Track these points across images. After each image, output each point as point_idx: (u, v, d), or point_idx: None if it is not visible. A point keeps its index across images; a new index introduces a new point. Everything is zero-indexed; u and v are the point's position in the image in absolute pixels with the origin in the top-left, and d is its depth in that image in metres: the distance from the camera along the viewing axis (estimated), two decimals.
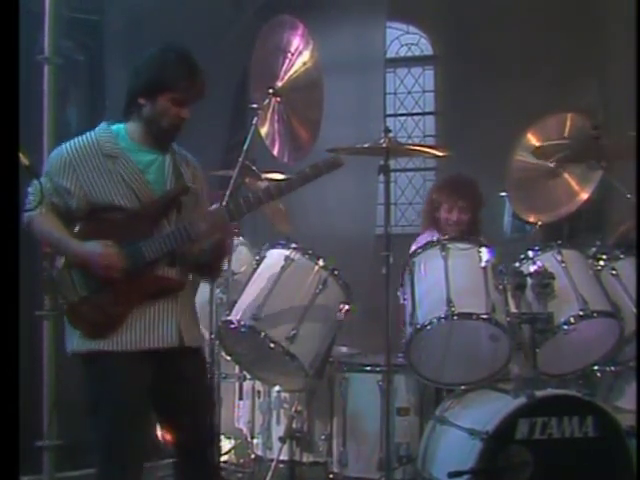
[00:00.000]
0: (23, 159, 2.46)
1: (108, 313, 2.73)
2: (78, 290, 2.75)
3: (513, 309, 3.34)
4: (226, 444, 4.21)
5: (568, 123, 4.15)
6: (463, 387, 3.46)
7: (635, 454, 3.09)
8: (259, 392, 3.99)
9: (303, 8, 4.40)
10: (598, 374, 3.58)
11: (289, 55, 3.73)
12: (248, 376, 3.96)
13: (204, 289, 4.04)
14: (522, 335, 3.31)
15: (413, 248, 3.82)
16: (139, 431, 2.74)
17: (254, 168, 3.88)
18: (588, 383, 3.55)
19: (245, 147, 3.71)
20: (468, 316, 3.27)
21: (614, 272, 3.57)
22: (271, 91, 3.72)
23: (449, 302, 3.25)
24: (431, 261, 3.46)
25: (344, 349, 4.06)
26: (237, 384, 4.12)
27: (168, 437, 2.89)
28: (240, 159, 3.72)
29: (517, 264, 3.45)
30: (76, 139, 2.84)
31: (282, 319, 3.40)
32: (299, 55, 3.73)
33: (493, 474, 3.02)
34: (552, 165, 4.14)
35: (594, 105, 6.12)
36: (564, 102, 5.70)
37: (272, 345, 3.36)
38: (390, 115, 7.79)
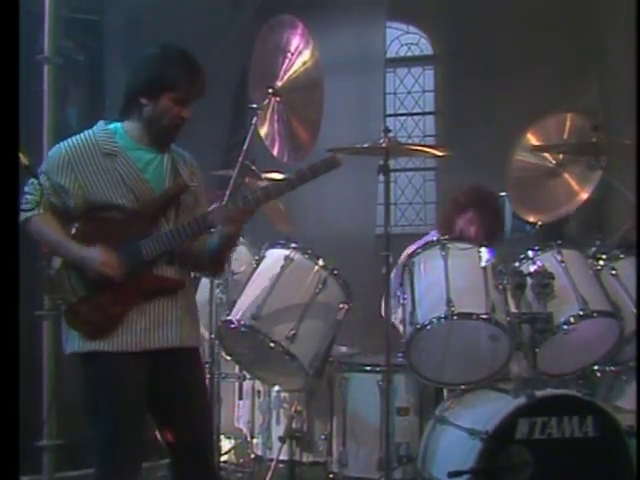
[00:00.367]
0: (23, 159, 2.47)
1: (107, 313, 2.72)
2: (76, 290, 2.74)
3: (513, 309, 3.34)
4: (226, 444, 4.21)
5: (568, 123, 4.15)
6: (463, 387, 3.46)
7: (635, 454, 3.09)
8: (259, 392, 3.99)
9: (303, 8, 4.40)
10: (598, 374, 3.58)
11: (289, 55, 3.73)
12: (248, 376, 3.96)
13: (204, 289, 4.04)
14: (522, 335, 3.30)
15: (411, 249, 3.82)
16: (137, 431, 2.74)
17: (254, 168, 3.88)
18: (588, 383, 3.55)
19: (245, 147, 3.72)
20: (468, 316, 3.27)
21: (614, 272, 3.56)
22: (271, 91, 3.72)
23: (449, 302, 3.25)
24: (431, 261, 3.46)
25: (344, 349, 4.05)
26: (237, 384, 4.12)
27: (165, 437, 2.88)
28: (240, 159, 3.72)
29: (517, 264, 3.44)
30: (74, 138, 2.82)
31: (282, 319, 3.40)
32: (299, 55, 3.73)
33: (493, 474, 3.02)
34: (552, 164, 4.15)
35: (594, 105, 6.12)
36: (564, 102, 5.70)
37: (272, 345, 3.36)
38: (390, 115, 7.79)
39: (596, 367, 3.53)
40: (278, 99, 3.75)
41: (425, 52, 7.89)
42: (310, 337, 3.43)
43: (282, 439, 3.66)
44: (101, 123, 2.88)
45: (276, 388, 3.83)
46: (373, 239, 6.38)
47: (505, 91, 6.61)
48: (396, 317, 3.67)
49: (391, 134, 3.53)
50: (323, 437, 3.71)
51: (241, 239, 3.94)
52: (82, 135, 2.83)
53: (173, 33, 5.17)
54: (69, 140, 2.82)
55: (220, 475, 3.93)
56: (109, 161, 2.77)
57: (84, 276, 2.73)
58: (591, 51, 6.50)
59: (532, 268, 3.36)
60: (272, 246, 3.63)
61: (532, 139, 4.24)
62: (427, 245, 3.52)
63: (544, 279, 3.32)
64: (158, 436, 2.97)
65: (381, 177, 3.50)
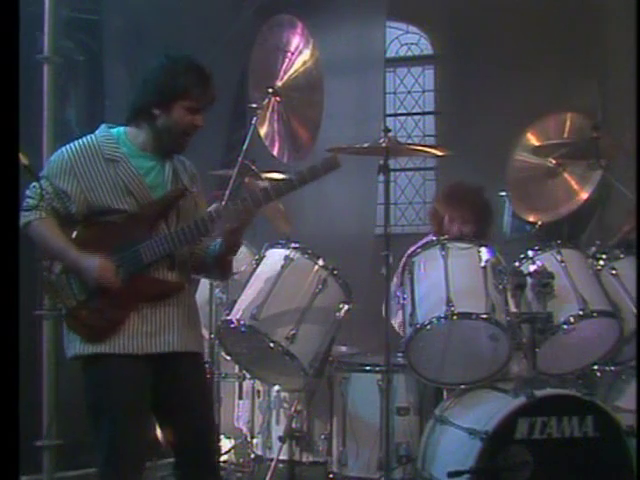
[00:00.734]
0: (22, 159, 2.47)
1: (107, 317, 2.72)
2: (76, 294, 2.74)
3: (513, 309, 3.34)
4: (226, 444, 4.21)
5: (568, 123, 4.16)
6: (463, 387, 3.46)
7: (635, 454, 3.09)
8: (259, 392, 4.00)
9: (303, 8, 4.40)
10: (598, 374, 3.58)
11: (289, 54, 3.73)
12: (248, 376, 3.96)
13: (204, 289, 4.04)
14: (522, 335, 3.30)
15: (412, 250, 3.82)
16: (140, 433, 2.74)
17: (254, 168, 3.88)
18: (588, 383, 3.55)
19: (244, 147, 3.72)
20: (468, 316, 3.27)
21: (614, 272, 3.56)
22: (271, 91, 3.72)
23: (449, 302, 3.25)
24: (431, 261, 3.46)
25: (344, 349, 4.06)
26: (237, 384, 4.13)
27: (168, 439, 2.88)
28: (240, 159, 3.72)
29: (517, 264, 3.44)
30: (76, 142, 2.82)
31: (282, 319, 3.40)
32: (299, 54, 3.73)
33: (493, 474, 3.02)
34: (552, 164, 4.15)
35: (594, 105, 6.12)
36: (564, 102, 5.70)
37: (272, 345, 3.36)
38: (390, 115, 7.78)
39: (596, 367, 3.53)
40: (278, 99, 3.75)
41: (425, 52, 7.88)
42: (310, 337, 3.43)
43: (282, 439, 3.66)
44: (103, 127, 2.88)
45: (276, 388, 3.84)
46: (373, 239, 6.37)
47: (505, 91, 6.61)
48: (396, 320, 3.67)
49: (391, 134, 3.53)
50: (323, 437, 3.71)
51: None
52: (84, 139, 2.83)
53: (173, 33, 5.19)
54: (71, 144, 2.82)
55: (221, 476, 3.93)
56: (111, 166, 2.77)
57: (84, 282, 2.74)
58: (591, 51, 6.49)
59: (532, 268, 3.36)
60: (272, 246, 3.63)
61: (532, 139, 4.24)
62: (427, 245, 3.52)
63: (544, 279, 3.32)
64: (159, 437, 2.98)
65: (381, 177, 3.50)
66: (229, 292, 3.91)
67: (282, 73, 3.75)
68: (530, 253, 3.47)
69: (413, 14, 7.61)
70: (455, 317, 3.25)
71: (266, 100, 3.74)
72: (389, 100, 7.76)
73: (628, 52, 4.31)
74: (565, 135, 4.16)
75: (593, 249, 3.66)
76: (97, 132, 2.86)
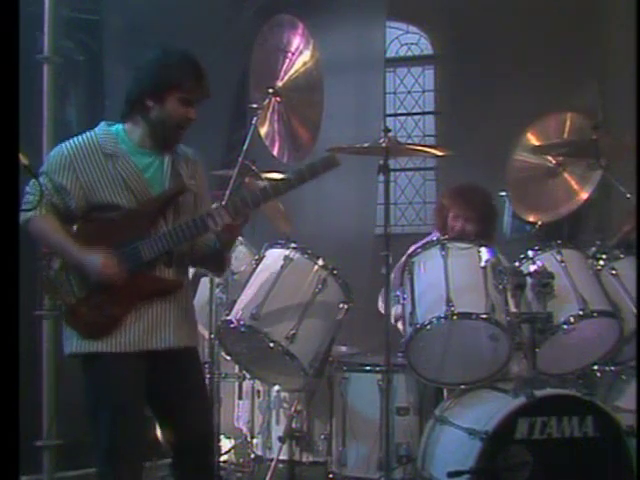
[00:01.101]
0: (22, 159, 2.47)
1: (106, 314, 2.73)
2: (75, 291, 2.75)
3: (513, 309, 3.33)
4: (226, 444, 4.22)
5: (568, 123, 4.16)
6: (463, 387, 3.46)
7: (635, 454, 3.09)
8: (259, 392, 4.00)
9: (303, 8, 4.39)
10: (598, 374, 3.58)
11: (289, 55, 3.73)
12: (248, 376, 3.96)
13: (204, 289, 4.04)
14: (522, 335, 3.30)
15: (412, 249, 3.82)
16: (138, 431, 2.75)
17: (254, 168, 3.88)
18: (588, 383, 3.55)
19: (245, 147, 3.72)
20: (468, 316, 3.27)
21: (614, 272, 3.56)
22: (271, 91, 3.72)
23: (449, 302, 3.25)
24: (431, 260, 3.46)
25: (344, 348, 4.06)
26: (237, 384, 4.13)
27: (165, 435, 2.89)
28: (240, 159, 3.72)
29: (517, 264, 3.44)
30: (76, 138, 2.83)
31: (281, 318, 3.40)
32: (299, 55, 3.73)
33: (493, 474, 3.02)
34: (552, 164, 4.15)
35: (594, 105, 6.12)
36: (564, 102, 5.70)
37: (271, 345, 3.36)
38: (390, 115, 7.78)
39: (596, 367, 3.53)
40: (278, 99, 3.75)
41: (425, 52, 7.89)
42: (310, 337, 3.43)
43: (282, 439, 3.66)
44: (103, 124, 2.89)
45: (276, 388, 3.83)
46: (373, 239, 6.37)
47: (505, 91, 6.61)
48: (394, 313, 3.66)
49: (391, 134, 3.53)
50: (323, 437, 3.71)
51: (240, 239, 3.94)
52: (84, 136, 2.84)
53: (173, 33, 5.18)
54: (70, 140, 2.83)
55: (220, 476, 3.93)
56: (110, 162, 2.78)
57: (84, 277, 2.74)
58: (591, 51, 6.49)
59: (532, 268, 3.36)
60: (272, 246, 3.63)
61: (532, 139, 4.24)
62: (427, 245, 3.52)
63: (544, 279, 3.31)
64: (159, 436, 2.98)
65: (381, 177, 3.50)
66: (229, 292, 3.91)
67: (282, 73, 3.75)
68: (530, 253, 3.46)
69: (413, 14, 7.61)
70: (455, 317, 3.25)
71: (266, 100, 3.74)
72: (389, 100, 7.76)
73: (628, 52, 4.31)
74: (565, 135, 4.16)
75: (593, 249, 3.66)
76: (96, 129, 2.87)
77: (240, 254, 4.10)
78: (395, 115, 7.89)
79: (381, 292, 3.86)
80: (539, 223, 4.27)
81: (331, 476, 3.64)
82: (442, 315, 3.25)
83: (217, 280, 3.96)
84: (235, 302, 3.52)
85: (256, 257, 3.67)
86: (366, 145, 3.55)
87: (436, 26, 7.63)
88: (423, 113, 7.90)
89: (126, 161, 2.80)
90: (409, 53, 7.97)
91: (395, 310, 3.67)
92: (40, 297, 3.85)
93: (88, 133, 2.85)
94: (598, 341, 3.44)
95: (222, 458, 4.09)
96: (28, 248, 2.72)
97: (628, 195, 3.74)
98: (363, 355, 3.95)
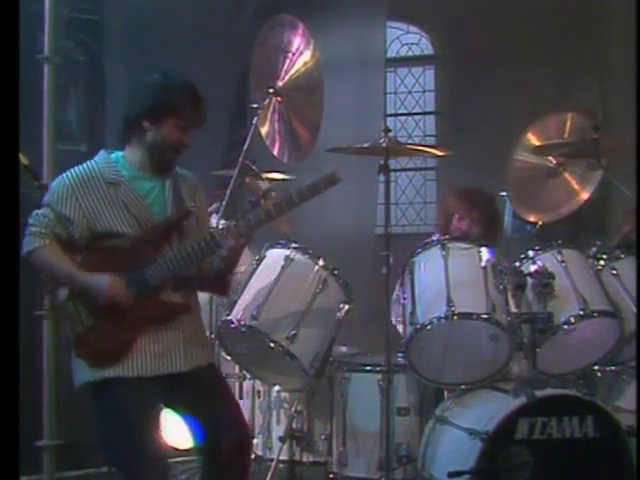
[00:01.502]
0: (22, 159, 2.47)
1: (114, 341, 2.72)
2: (83, 320, 2.75)
3: (513, 309, 3.33)
4: None
5: (568, 123, 4.16)
6: (463, 387, 3.46)
7: (635, 454, 3.09)
8: (259, 392, 3.99)
9: (303, 8, 4.39)
10: (598, 374, 3.57)
11: (290, 55, 3.74)
12: (248, 376, 3.96)
13: None
14: (522, 335, 3.30)
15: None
16: (156, 449, 2.71)
17: (254, 168, 3.88)
18: (588, 383, 3.54)
19: (245, 147, 3.72)
20: (468, 316, 3.27)
21: (614, 272, 3.56)
22: (271, 91, 3.73)
23: (449, 302, 3.25)
24: (431, 260, 3.46)
25: (344, 349, 4.05)
26: (237, 384, 4.12)
27: (201, 444, 2.87)
28: (240, 158, 3.72)
29: (517, 264, 3.44)
30: (77, 168, 2.84)
31: (282, 319, 3.40)
32: (300, 55, 3.73)
33: (493, 474, 3.02)
34: (552, 164, 4.15)
35: (594, 105, 6.12)
36: (565, 102, 5.70)
37: (272, 345, 3.36)
38: (390, 115, 7.78)
39: (596, 367, 3.52)
40: (279, 99, 3.75)
41: (426, 52, 7.89)
42: (310, 337, 3.43)
43: (282, 439, 3.66)
44: (103, 153, 2.90)
45: (276, 388, 3.83)
46: (373, 239, 6.37)
47: (505, 91, 6.61)
48: (395, 313, 3.66)
49: (391, 134, 3.53)
50: (323, 437, 3.70)
51: None
52: (85, 165, 2.85)
53: (173, 33, 5.19)
54: (72, 170, 2.84)
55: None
56: (112, 190, 2.79)
57: (91, 304, 2.73)
58: (591, 51, 6.49)
59: (532, 268, 3.35)
60: (272, 246, 3.63)
61: (532, 139, 4.24)
62: (427, 245, 3.52)
63: (544, 279, 3.31)
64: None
65: (381, 177, 3.50)
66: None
67: (283, 73, 3.76)
68: (531, 253, 3.46)
69: (414, 14, 7.61)
70: (455, 317, 3.24)
71: (267, 100, 3.75)
72: (390, 100, 7.76)
73: (628, 52, 4.31)
74: (566, 135, 4.16)
75: (594, 249, 3.66)
76: (96, 158, 2.88)
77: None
78: (396, 115, 7.89)
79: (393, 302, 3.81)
80: (540, 223, 4.27)
81: (331, 476, 3.64)
82: (442, 315, 3.25)
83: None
84: (235, 302, 3.52)
85: (257, 257, 3.67)
86: (366, 145, 3.55)
87: (437, 26, 7.63)
88: (424, 113, 7.90)
89: (128, 188, 2.80)
90: (410, 53, 7.97)
91: (396, 310, 3.67)
92: (40, 297, 3.85)
93: (89, 162, 2.86)
94: (598, 341, 3.44)
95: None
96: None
97: (629, 195, 3.74)
98: (363, 355, 3.95)
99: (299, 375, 3.45)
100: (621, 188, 3.82)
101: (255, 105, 3.76)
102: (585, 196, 4.16)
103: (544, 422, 3.06)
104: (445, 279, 3.33)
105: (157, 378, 2.75)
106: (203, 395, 2.82)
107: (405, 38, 7.93)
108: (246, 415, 4.05)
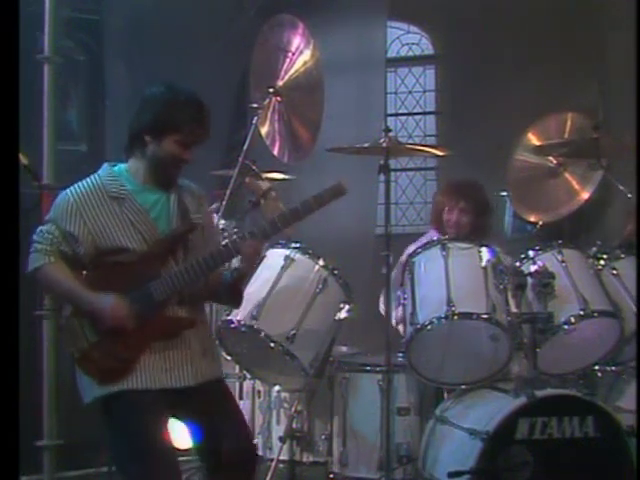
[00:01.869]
0: (22, 159, 2.47)
1: (119, 358, 2.71)
2: (88, 337, 2.73)
3: (513, 309, 3.33)
4: None
5: (568, 123, 4.16)
6: (463, 387, 3.46)
7: (635, 454, 3.09)
8: (259, 392, 3.99)
9: (303, 8, 4.39)
10: (598, 374, 3.57)
11: (289, 54, 3.74)
12: (248, 376, 3.96)
13: None
14: (522, 335, 3.30)
15: (412, 248, 3.82)
16: (168, 459, 2.69)
17: (254, 167, 3.88)
18: (588, 383, 3.54)
19: (245, 146, 3.72)
20: (468, 316, 3.27)
21: (615, 272, 3.56)
22: (271, 90, 3.73)
23: (449, 302, 3.25)
24: (431, 261, 3.46)
25: (344, 349, 4.05)
26: (237, 384, 4.12)
27: (205, 457, 2.86)
28: (240, 158, 3.73)
29: (518, 264, 3.44)
30: (80, 183, 2.82)
31: (282, 319, 3.40)
32: (300, 54, 3.74)
33: (493, 474, 3.02)
34: (553, 164, 4.15)
35: (595, 105, 6.12)
36: (565, 102, 5.69)
37: (272, 345, 3.36)
38: (391, 115, 7.77)
39: (597, 367, 3.53)
40: (279, 99, 3.75)
41: (426, 52, 7.87)
42: (310, 337, 3.43)
43: (282, 439, 3.66)
44: (106, 166, 2.88)
45: (276, 388, 3.83)
46: (373, 239, 6.36)
47: (506, 91, 6.60)
48: (395, 316, 3.66)
49: (392, 134, 3.53)
50: (323, 437, 3.70)
51: None
52: (88, 180, 2.83)
53: (173, 33, 5.18)
54: (76, 186, 2.81)
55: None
56: (117, 205, 2.77)
57: (96, 322, 2.72)
58: (591, 51, 6.49)
59: (533, 268, 3.35)
60: (272, 246, 3.63)
61: (533, 139, 4.24)
62: (427, 245, 3.52)
63: (545, 279, 3.31)
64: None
65: (382, 177, 3.50)
66: None
67: (283, 73, 3.76)
68: (531, 253, 3.46)
69: (414, 14, 7.60)
70: (456, 317, 3.25)
71: (267, 100, 3.75)
72: (390, 100, 7.75)
73: (628, 52, 4.31)
74: (566, 135, 4.16)
75: (594, 249, 3.66)
76: (100, 172, 2.86)
77: None
78: (396, 115, 7.88)
79: (382, 293, 3.86)
80: (540, 223, 4.27)
81: (332, 476, 3.64)
82: (443, 315, 3.25)
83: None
84: None
85: None
86: (366, 145, 3.55)
87: (437, 26, 7.62)
88: (424, 113, 7.89)
89: (132, 203, 2.78)
90: (410, 53, 7.96)
91: (396, 313, 3.67)
92: (40, 297, 3.85)
93: (92, 177, 2.83)
94: (599, 341, 3.44)
95: None
96: (28, 248, 2.73)
97: (629, 195, 3.74)
98: (364, 355, 3.95)
99: (299, 375, 3.46)
100: (621, 188, 3.82)
101: (255, 105, 3.76)
102: (585, 196, 4.16)
103: (544, 422, 3.06)
104: (445, 279, 3.33)
105: (164, 390, 2.73)
106: (209, 409, 2.80)
107: (405, 38, 7.92)
108: (246, 415, 4.05)
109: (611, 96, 6.27)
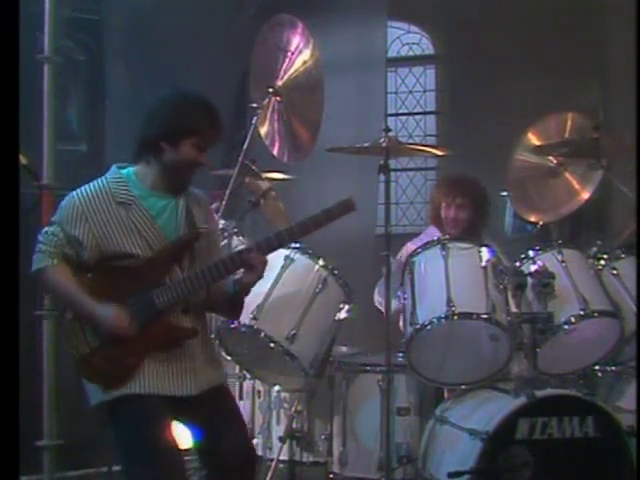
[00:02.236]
0: (21, 159, 2.47)
1: (121, 364, 2.70)
2: (89, 341, 2.73)
3: (513, 309, 3.33)
4: None
5: (569, 122, 4.15)
6: (463, 387, 3.46)
7: (635, 454, 3.09)
8: (259, 392, 3.99)
9: (303, 7, 4.39)
10: (599, 374, 3.57)
11: (289, 54, 3.74)
12: (248, 376, 3.96)
13: None
14: (522, 335, 3.30)
15: (410, 245, 3.82)
16: (174, 460, 2.69)
17: (254, 167, 3.88)
18: (588, 383, 3.54)
19: (245, 146, 3.72)
20: (468, 316, 3.27)
21: (615, 271, 3.56)
22: (271, 90, 3.73)
23: (449, 302, 3.24)
24: (431, 260, 3.46)
25: (344, 349, 4.05)
26: (237, 384, 4.12)
27: (205, 460, 2.87)
28: (240, 158, 3.72)
29: (518, 263, 3.44)
30: (87, 186, 2.80)
31: (282, 319, 3.40)
32: (299, 54, 3.74)
33: (493, 474, 3.02)
34: (553, 164, 4.15)
35: (595, 104, 6.12)
36: (564, 101, 5.69)
37: (272, 345, 3.36)
38: (391, 114, 7.78)
39: (597, 367, 3.52)
40: (278, 98, 3.75)
41: (426, 52, 7.88)
42: (310, 337, 3.43)
43: (282, 439, 3.66)
44: (114, 169, 2.86)
45: (276, 388, 3.83)
46: (374, 239, 6.36)
47: (506, 91, 6.61)
48: (394, 307, 3.65)
49: (392, 133, 3.52)
50: (323, 437, 3.70)
51: (241, 238, 3.94)
52: (95, 183, 2.81)
53: (174, 33, 5.18)
54: (82, 189, 2.80)
55: None
56: (123, 210, 2.76)
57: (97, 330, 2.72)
58: (592, 51, 6.49)
59: (533, 268, 3.35)
60: None
61: (533, 139, 4.24)
62: (427, 245, 3.52)
63: (545, 279, 3.31)
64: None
65: (382, 177, 3.50)
66: None
67: (282, 73, 3.76)
68: (531, 253, 3.46)
69: (414, 14, 7.61)
70: (455, 317, 3.24)
71: (266, 100, 3.75)
72: (390, 100, 7.75)
73: (629, 52, 4.31)
74: (566, 135, 4.15)
75: (594, 249, 3.65)
76: (107, 175, 2.84)
77: None
78: (396, 115, 7.88)
79: (377, 284, 3.87)
80: (540, 223, 4.27)
81: (331, 476, 3.64)
82: (443, 315, 3.25)
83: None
84: None
85: None
86: (366, 145, 3.55)
87: (437, 26, 7.63)
88: (424, 113, 7.89)
89: (139, 208, 2.76)
90: (410, 53, 7.96)
91: (395, 304, 3.65)
92: (40, 297, 3.85)
93: (99, 180, 2.81)
94: (599, 341, 3.44)
95: None
96: (28, 248, 2.73)
97: (630, 194, 3.74)
98: (363, 355, 3.95)
99: (299, 375, 3.46)
100: (622, 188, 3.82)
101: (255, 105, 3.76)
102: (586, 196, 4.15)
103: (544, 422, 3.06)
104: (445, 279, 3.33)
105: (166, 397, 2.72)
106: (210, 414, 2.80)
107: (406, 38, 7.92)
108: (246, 415, 4.06)
109: (611, 96, 6.28)
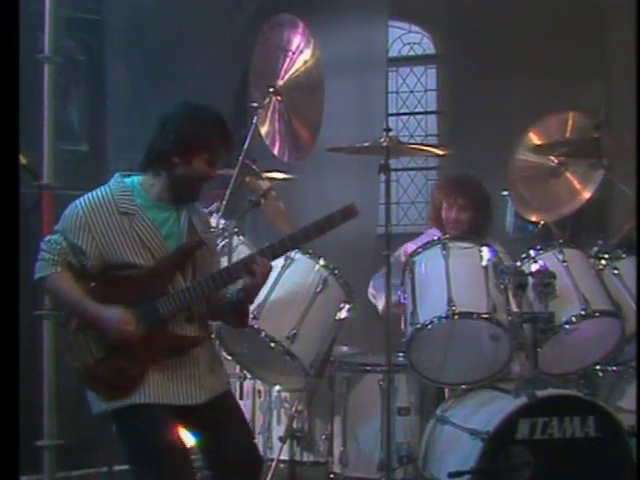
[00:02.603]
0: (21, 158, 2.46)
1: (125, 374, 2.70)
2: (93, 352, 2.72)
3: (514, 308, 3.33)
4: None
5: (569, 122, 4.15)
6: (464, 387, 3.46)
7: (636, 454, 3.08)
8: (259, 392, 3.99)
9: (304, 7, 4.39)
10: (600, 374, 3.57)
11: (290, 54, 3.74)
12: (248, 375, 3.95)
13: None
14: (523, 335, 3.30)
15: (410, 245, 3.82)
16: (182, 465, 2.70)
17: (254, 167, 3.88)
18: (589, 383, 3.54)
19: (245, 146, 3.72)
20: (469, 315, 3.27)
21: (616, 271, 3.56)
22: (271, 90, 3.72)
23: (450, 301, 3.24)
24: (432, 260, 3.45)
25: (345, 348, 4.05)
26: (238, 384, 4.11)
27: (210, 466, 2.87)
28: (240, 158, 3.72)
29: (518, 263, 3.44)
30: (90, 195, 2.79)
31: (282, 318, 3.40)
32: (300, 54, 3.74)
33: (494, 474, 3.02)
34: (554, 163, 4.15)
35: (596, 104, 6.11)
36: (566, 101, 5.69)
37: (272, 345, 3.36)
38: (392, 114, 7.77)
39: (598, 367, 3.52)
40: (279, 98, 3.75)
41: (427, 51, 7.87)
42: (311, 337, 3.43)
43: (283, 439, 3.66)
44: (117, 177, 2.85)
45: (277, 388, 3.83)
46: (374, 238, 6.36)
47: (507, 90, 6.60)
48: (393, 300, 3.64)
49: (392, 133, 3.52)
50: (324, 437, 3.71)
51: (241, 238, 3.94)
52: (98, 192, 2.80)
53: (174, 33, 5.18)
54: (85, 198, 2.79)
55: None
56: (126, 220, 2.75)
57: (101, 336, 2.71)
58: (592, 50, 6.49)
59: (534, 267, 3.35)
60: None
61: (534, 138, 4.24)
62: (428, 244, 3.51)
63: (546, 278, 3.31)
64: None
65: (382, 176, 3.49)
66: None
67: (283, 72, 3.76)
68: (532, 253, 3.46)
69: (415, 13, 7.60)
70: (456, 317, 3.24)
71: (267, 99, 3.74)
72: (391, 100, 7.74)
73: (629, 51, 4.30)
74: (567, 134, 4.15)
75: (595, 249, 3.65)
76: (111, 183, 2.83)
77: (241, 254, 4.09)
78: (397, 115, 7.87)
79: (372, 279, 3.86)
80: (541, 222, 4.27)
81: (332, 476, 3.64)
82: (443, 315, 3.25)
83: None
84: None
85: None
86: (367, 144, 3.55)
87: (438, 25, 7.62)
88: (425, 113, 7.89)
89: (142, 218, 2.76)
90: (411, 52, 7.96)
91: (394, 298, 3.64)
92: (40, 297, 3.85)
93: (102, 189, 2.81)
94: (600, 341, 3.44)
95: None
96: (28, 248, 2.72)
97: (631, 194, 3.74)
98: (364, 355, 3.95)
99: (299, 375, 3.46)
100: (623, 187, 3.81)
101: (255, 104, 3.76)
102: (587, 195, 4.15)
103: (545, 422, 3.05)
104: (446, 279, 3.33)
105: (171, 406, 2.72)
106: (216, 420, 2.80)
107: (407, 37, 7.91)
108: (247, 415, 4.05)
109: (612, 96, 6.27)
